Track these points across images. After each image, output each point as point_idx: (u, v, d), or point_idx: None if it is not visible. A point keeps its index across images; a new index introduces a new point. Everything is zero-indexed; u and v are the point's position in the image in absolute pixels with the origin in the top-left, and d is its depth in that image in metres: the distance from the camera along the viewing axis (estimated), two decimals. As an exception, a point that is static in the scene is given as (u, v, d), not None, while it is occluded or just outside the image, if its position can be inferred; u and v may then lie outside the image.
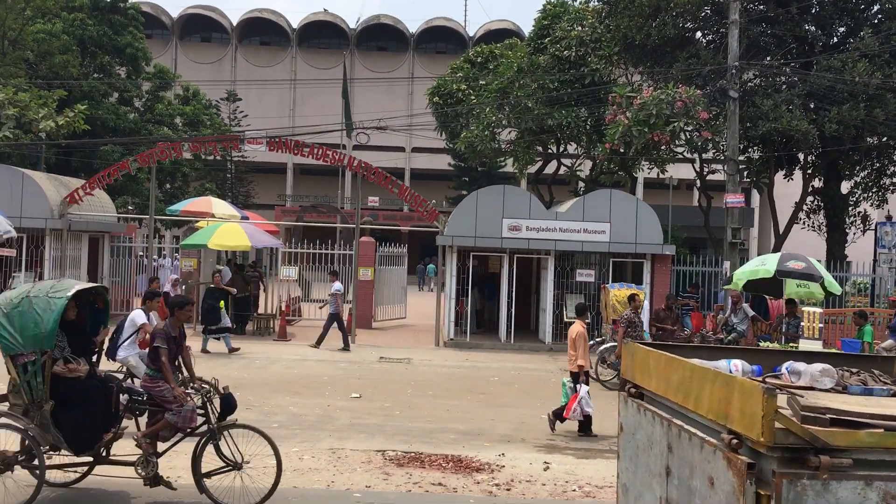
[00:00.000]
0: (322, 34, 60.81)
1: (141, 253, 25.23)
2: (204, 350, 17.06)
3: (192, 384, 7.79)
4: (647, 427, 3.67)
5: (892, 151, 24.73)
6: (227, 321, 17.95)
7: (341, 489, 8.31)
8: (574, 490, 8.69)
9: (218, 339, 17.70)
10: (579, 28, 25.16)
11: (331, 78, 51.43)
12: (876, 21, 22.70)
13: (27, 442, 7.28)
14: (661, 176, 25.78)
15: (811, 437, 2.78)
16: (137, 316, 10.97)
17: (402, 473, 8.91)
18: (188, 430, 7.58)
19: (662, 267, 20.36)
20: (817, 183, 25.61)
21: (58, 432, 7.32)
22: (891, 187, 25.95)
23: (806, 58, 22.46)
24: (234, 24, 60.01)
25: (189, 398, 7.55)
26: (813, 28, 23.23)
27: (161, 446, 7.63)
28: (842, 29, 23.85)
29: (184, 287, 20.90)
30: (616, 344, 15.69)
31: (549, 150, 29.09)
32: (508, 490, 8.60)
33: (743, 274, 16.27)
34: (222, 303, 17.77)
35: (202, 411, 7.58)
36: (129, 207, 30.86)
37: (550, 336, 20.24)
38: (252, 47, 61.14)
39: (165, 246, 32.29)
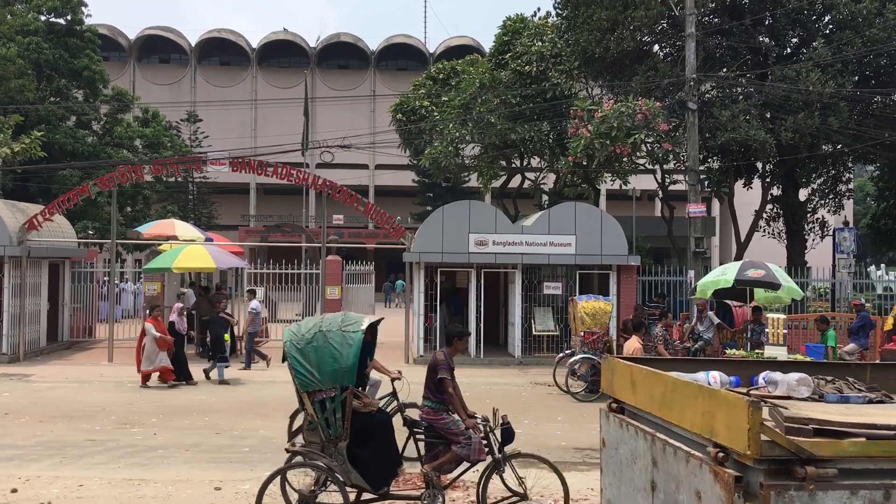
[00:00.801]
0: (282, 53, 60.63)
1: (106, 278, 24.80)
2: (222, 381, 16.44)
3: (473, 416, 7.70)
4: (630, 442, 3.67)
5: (847, 159, 25.33)
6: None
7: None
8: (550, 504, 8.65)
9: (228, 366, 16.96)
10: (539, 43, 25.43)
11: (292, 97, 51.23)
12: (828, 31, 23.24)
13: (322, 480, 7.07)
14: (624, 187, 26.10)
15: (797, 448, 2.80)
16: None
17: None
18: (477, 461, 7.54)
19: (628, 278, 20.52)
20: (776, 191, 26.08)
21: (354, 469, 7.12)
22: (846, 194, 26.56)
23: (761, 69, 22.91)
24: (193, 44, 59.55)
25: (478, 429, 7.51)
26: (767, 39, 23.70)
27: (444, 479, 7.56)
28: (795, 40, 24.37)
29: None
30: (586, 356, 15.77)
31: (513, 165, 29.27)
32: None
33: (706, 284, 16.55)
34: (228, 336, 17.01)
35: (486, 442, 7.56)
36: (90, 232, 30.33)
37: (520, 350, 20.26)
38: (211, 68, 60.70)
39: (128, 270, 31.79)
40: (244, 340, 19.03)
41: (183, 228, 23.71)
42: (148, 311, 16.93)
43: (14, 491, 8.63)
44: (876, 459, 2.93)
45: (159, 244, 23.18)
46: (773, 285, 15.17)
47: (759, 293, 15.65)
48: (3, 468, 9.68)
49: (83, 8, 34.37)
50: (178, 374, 16.33)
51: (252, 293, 19.69)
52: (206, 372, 16.80)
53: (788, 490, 2.75)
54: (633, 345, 11.09)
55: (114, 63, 54.47)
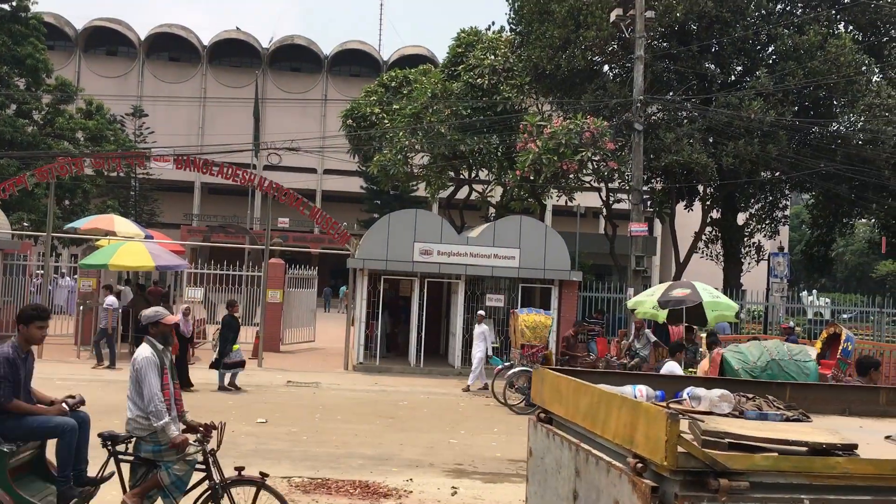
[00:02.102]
0: (234, 52, 59.94)
1: (39, 272, 24.12)
2: (222, 387, 15.88)
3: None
4: (555, 451, 3.74)
5: (784, 186, 26.10)
6: (239, 356, 16.27)
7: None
8: (482, 514, 8.71)
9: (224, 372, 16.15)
10: (492, 57, 25.67)
11: (242, 97, 50.71)
12: (771, 61, 23.95)
13: None
14: (570, 204, 26.42)
15: (711, 460, 2.89)
16: None
17: (308, 500, 8.74)
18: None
19: (570, 293, 20.77)
20: (715, 214, 26.72)
21: None
22: (783, 220, 27.34)
23: (706, 94, 23.50)
24: (142, 38, 58.49)
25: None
26: (713, 66, 24.33)
27: None
28: (739, 68, 25.07)
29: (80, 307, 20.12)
30: (524, 369, 15.91)
31: (461, 176, 29.42)
32: (416, 516, 8.55)
33: (635, 303, 16.96)
34: (237, 346, 16.17)
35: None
36: (25, 224, 29.48)
37: (460, 360, 20.32)
38: (160, 63, 59.69)
39: (63, 265, 30.99)
40: (94, 336, 18.66)
41: (122, 224, 23.23)
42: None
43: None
44: (787, 474, 3.04)
45: (97, 239, 22.66)
46: (694, 303, 15.58)
47: (710, 313, 15.99)
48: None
49: (29, -6, 33.55)
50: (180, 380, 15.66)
51: (108, 288, 18.95)
52: (232, 383, 16.12)
53: (702, 501, 2.84)
54: (707, 365, 9.79)
55: (59, 52, 53.19)
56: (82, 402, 6.72)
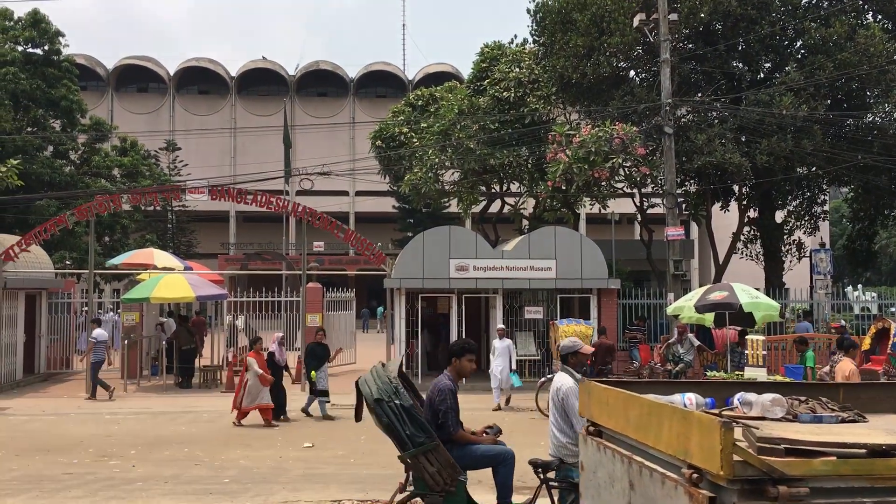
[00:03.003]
0: (261, 81, 60.81)
1: (86, 308, 24.56)
2: (326, 416, 15.67)
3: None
4: (607, 465, 3.69)
5: (822, 181, 25.68)
6: (323, 384, 15.93)
7: None
8: (534, 530, 8.62)
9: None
10: (517, 69, 25.70)
11: (271, 125, 51.34)
12: (800, 56, 23.66)
13: None
14: (603, 211, 26.28)
15: (768, 467, 2.83)
16: None
17: (360, 523, 8.75)
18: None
19: (609, 301, 20.61)
20: (753, 213, 26.38)
21: None
22: (822, 215, 26.90)
23: (735, 93, 23.27)
24: (171, 73, 59.60)
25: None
26: (740, 65, 24.10)
27: None
28: (768, 65, 24.80)
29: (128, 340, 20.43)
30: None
31: (493, 190, 29.43)
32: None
33: (675, 308, 16.77)
34: (313, 374, 15.82)
35: None
36: (67, 262, 30.08)
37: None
38: (190, 96, 60.74)
39: (106, 300, 31.51)
40: (87, 370, 18.67)
41: (162, 257, 23.58)
42: (250, 344, 15.76)
43: (-11, 526, 8.49)
44: (846, 478, 2.97)
45: (138, 273, 23.03)
46: (731, 306, 15.34)
47: (758, 314, 15.74)
48: (-22, 503, 9.52)
49: (60, 38, 34.32)
50: (276, 410, 15.19)
51: (97, 322, 19.09)
52: (305, 409, 15.95)
53: (762, 510, 2.79)
54: (848, 367, 9.43)
55: (92, 92, 54.37)
56: (500, 433, 7.16)
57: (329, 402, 15.91)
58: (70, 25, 64.25)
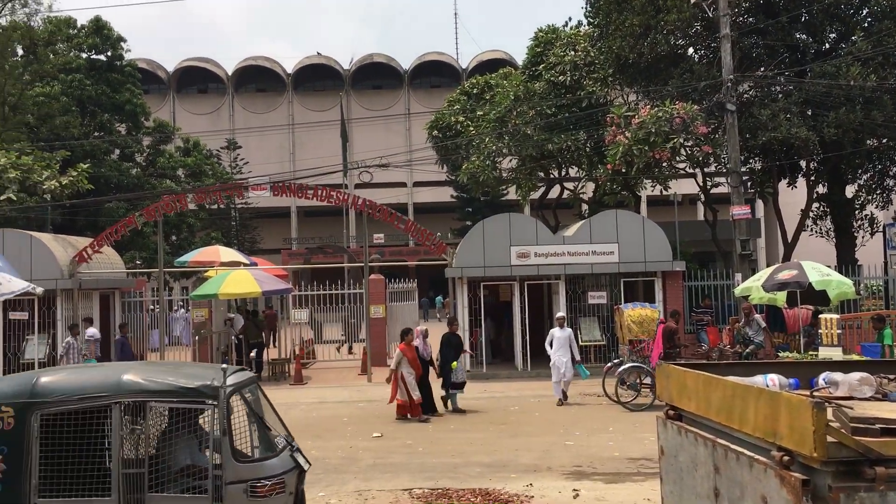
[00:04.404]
0: (317, 77, 61.40)
1: (152, 307, 25.22)
2: (456, 409, 15.33)
3: None
4: (689, 449, 3.61)
5: (893, 153, 24.73)
6: (459, 376, 15.51)
7: None
8: (608, 516, 8.56)
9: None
10: (572, 53, 25.38)
11: (328, 120, 51.81)
12: (866, 24, 22.82)
13: None
14: (665, 193, 25.79)
15: (865, 448, 2.72)
16: None
17: (432, 511, 8.79)
18: None
19: (674, 284, 20.29)
20: (821, 189, 25.60)
21: None
22: (895, 188, 25.92)
23: (799, 65, 22.57)
24: (230, 73, 60.62)
25: None
26: (804, 36, 23.36)
27: None
28: (833, 35, 23.97)
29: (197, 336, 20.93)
30: (635, 365, 15.58)
31: (551, 175, 29.17)
32: (541, 521, 8.47)
33: (743, 289, 16.36)
34: (455, 364, 15.33)
35: None
36: (138, 262, 30.90)
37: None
38: (248, 95, 61.69)
39: (175, 298, 32.30)
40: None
41: (228, 254, 24.02)
42: (401, 337, 15.42)
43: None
44: (948, 457, 2.85)
45: (205, 271, 23.52)
46: (800, 285, 14.88)
47: (831, 292, 15.26)
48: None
49: (122, 44, 35.26)
50: (425, 405, 14.86)
51: (89, 321, 19.16)
52: (445, 399, 15.50)
53: (858, 492, 2.68)
54: None
55: (154, 95, 55.64)
56: None
57: (461, 393, 15.47)
58: (130, 31, 65.83)
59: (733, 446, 3.13)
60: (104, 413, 5.99)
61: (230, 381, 6.09)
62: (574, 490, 9.56)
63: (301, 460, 6.57)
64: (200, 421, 6.57)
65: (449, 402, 15.39)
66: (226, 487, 5.83)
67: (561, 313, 17.33)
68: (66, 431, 5.87)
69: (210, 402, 5.96)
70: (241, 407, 6.36)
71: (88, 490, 5.83)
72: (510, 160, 27.43)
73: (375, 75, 61.72)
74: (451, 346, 15.35)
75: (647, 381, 15.26)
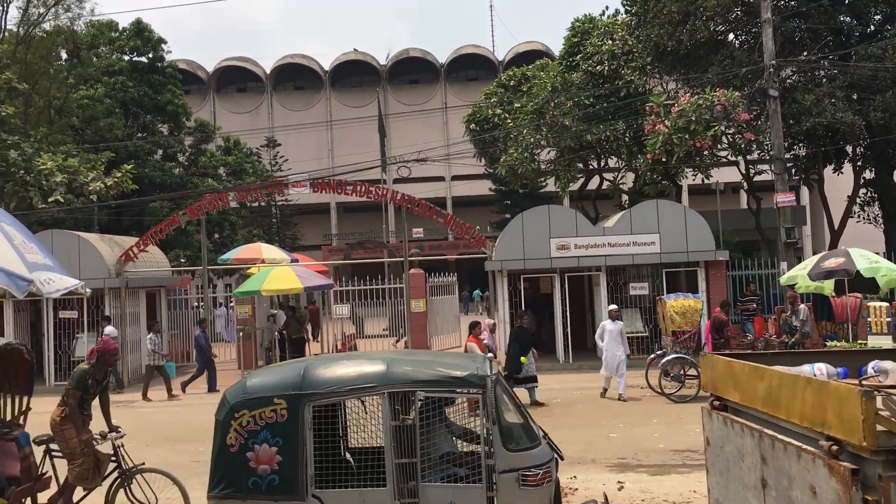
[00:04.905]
0: (354, 73, 61.71)
1: (196, 304, 25.61)
2: (535, 402, 14.85)
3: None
4: (735, 439, 3.58)
5: (944, 135, 24.11)
6: (530, 370, 15.12)
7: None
8: (653, 508, 8.50)
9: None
10: (610, 42, 25.12)
11: (365, 116, 52.06)
12: (914, 5, 22.25)
13: None
14: (707, 181, 25.45)
15: (916, 437, 2.67)
16: None
17: None
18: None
19: (717, 273, 20.02)
20: (869, 174, 25.06)
21: None
22: (945, 172, 25.26)
23: (844, 49, 22.09)
24: (268, 71, 61.22)
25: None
26: (848, 18, 22.86)
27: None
28: (878, 16, 23.44)
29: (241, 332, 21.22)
30: (678, 356, 15.42)
31: (590, 166, 28.94)
32: (586, 513, 8.44)
33: (789, 278, 16.08)
34: (524, 359, 14.93)
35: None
36: (182, 260, 31.39)
37: (609, 353, 19.99)
38: (286, 93, 62.24)
39: (219, 295, 32.76)
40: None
41: (270, 251, 24.28)
42: (469, 330, 14.90)
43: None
44: None
45: (248, 268, 23.81)
46: (847, 272, 14.56)
47: (880, 280, 14.93)
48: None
49: (163, 45, 35.77)
50: None
51: (108, 319, 19.58)
52: (531, 391, 15.09)
53: (910, 481, 2.63)
54: None
55: (194, 95, 56.41)
56: None
57: (537, 386, 15.16)
58: (170, 33, 66.91)
59: (780, 436, 3.09)
60: (368, 403, 6.02)
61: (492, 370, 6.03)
62: (619, 482, 9.51)
63: (556, 450, 6.53)
64: (448, 411, 6.55)
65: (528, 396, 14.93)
66: (498, 476, 5.77)
67: (613, 306, 16.87)
68: (334, 421, 5.90)
69: (477, 390, 5.90)
70: (502, 395, 6.24)
71: (364, 480, 5.85)
72: (548, 152, 27.27)
73: (412, 70, 61.82)
74: (520, 340, 14.88)
75: (692, 371, 15.10)
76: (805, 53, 22.12)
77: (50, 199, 22.60)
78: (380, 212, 49.57)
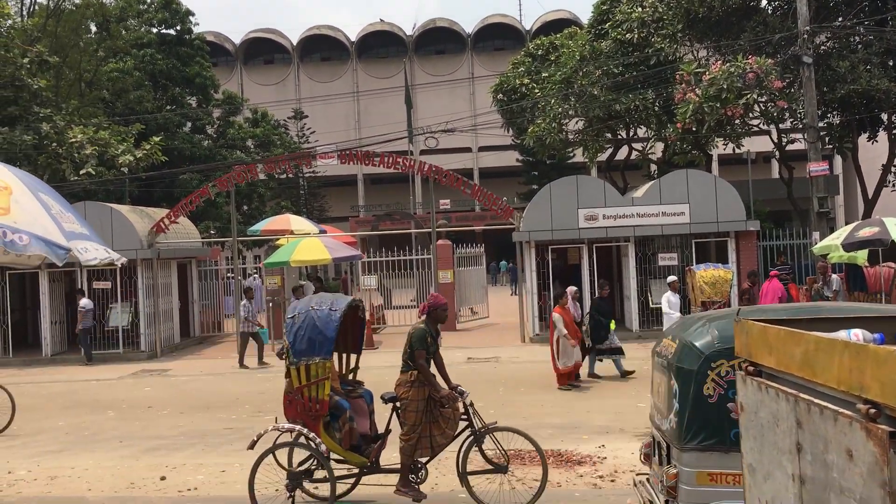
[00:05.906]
0: (380, 44, 61.49)
1: (229, 275, 25.89)
2: (592, 374, 14.85)
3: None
4: (770, 404, 3.56)
5: (983, 102, 23.54)
6: (615, 341, 14.85)
7: (446, 491, 8.33)
8: (683, 476, 8.51)
9: (601, 360, 14.97)
10: (640, 9, 24.75)
11: (392, 86, 51.89)
12: (954, -33, 21.65)
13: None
14: (738, 151, 25.15)
15: (956, 400, 2.65)
16: None
17: (505, 471, 8.87)
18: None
19: (748, 244, 19.83)
20: (904, 143, 24.59)
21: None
22: (985, 139, 24.68)
23: (880, 14, 21.59)
24: (295, 43, 61.16)
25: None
26: (886, -18, 22.31)
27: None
28: (917, -20, 22.82)
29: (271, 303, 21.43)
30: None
31: (619, 136, 28.69)
32: (613, 481, 8.50)
33: (822, 248, 15.88)
34: (613, 324, 14.75)
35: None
36: (212, 232, 31.70)
37: (637, 323, 19.96)
38: (313, 64, 62.18)
39: (248, 266, 33.06)
40: (79, 337, 19.83)
41: (298, 222, 24.44)
42: (553, 301, 14.70)
43: (163, 479, 9.16)
44: None
45: (277, 239, 24.01)
46: (882, 242, 14.34)
47: None
48: (152, 457, 10.30)
49: (191, 17, 35.85)
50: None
51: (81, 293, 20.00)
52: (592, 372, 14.97)
53: (949, 445, 2.61)
54: None
55: (222, 68, 56.56)
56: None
57: (624, 356, 14.89)
58: (197, 4, 66.81)
59: (816, 401, 3.08)
60: None
61: None
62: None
63: None
64: None
65: (614, 367, 14.83)
66: None
67: (673, 277, 16.48)
68: None
69: None
70: None
71: None
72: (577, 122, 27.06)
73: (438, 40, 61.43)
74: (601, 310, 14.66)
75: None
76: (840, 19, 21.65)
77: (81, 172, 22.88)
78: (407, 183, 49.56)
